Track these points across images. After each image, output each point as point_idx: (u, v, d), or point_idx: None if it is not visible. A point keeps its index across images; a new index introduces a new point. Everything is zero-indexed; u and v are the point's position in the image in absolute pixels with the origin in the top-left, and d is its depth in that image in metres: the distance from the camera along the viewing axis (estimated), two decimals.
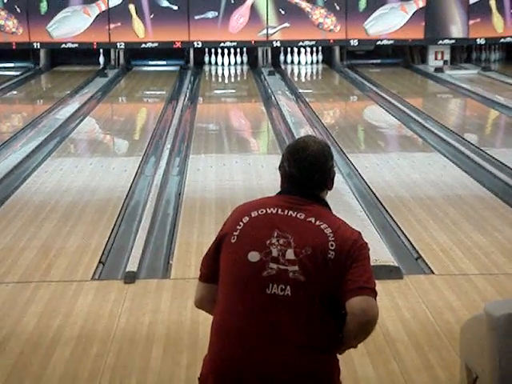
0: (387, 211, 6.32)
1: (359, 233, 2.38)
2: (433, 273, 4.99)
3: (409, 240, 5.61)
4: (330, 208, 2.44)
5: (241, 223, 2.36)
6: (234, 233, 2.34)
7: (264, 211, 2.36)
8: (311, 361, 2.23)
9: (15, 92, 14.11)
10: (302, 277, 2.24)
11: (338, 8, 16.12)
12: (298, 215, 2.34)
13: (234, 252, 2.32)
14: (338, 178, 7.30)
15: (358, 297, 2.24)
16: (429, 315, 4.32)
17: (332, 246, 2.28)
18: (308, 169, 2.39)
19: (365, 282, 2.27)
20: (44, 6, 15.91)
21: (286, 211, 2.35)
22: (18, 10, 15.88)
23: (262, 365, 2.22)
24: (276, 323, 2.23)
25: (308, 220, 2.33)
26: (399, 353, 3.86)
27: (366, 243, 2.37)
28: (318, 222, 2.33)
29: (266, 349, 2.22)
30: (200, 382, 2.37)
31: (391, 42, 16.33)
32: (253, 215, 2.36)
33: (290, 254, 2.27)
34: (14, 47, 16.22)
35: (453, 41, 16.41)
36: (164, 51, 16.48)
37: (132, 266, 4.98)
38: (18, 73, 15.70)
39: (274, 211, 2.35)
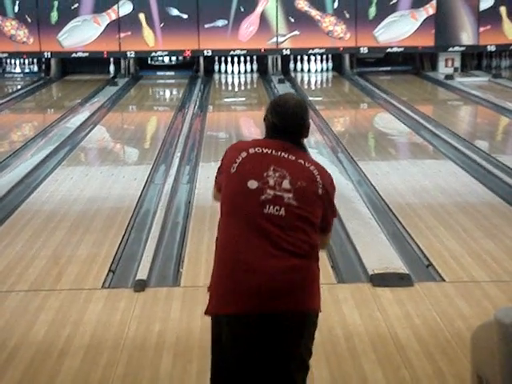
0: (397, 218, 6.30)
1: (330, 174, 2.92)
2: (443, 280, 4.97)
3: (419, 247, 5.59)
4: (308, 152, 2.96)
5: (240, 157, 2.78)
6: (234, 164, 2.77)
7: (260, 150, 2.80)
8: (295, 262, 2.70)
9: (26, 101, 14.17)
10: (295, 202, 2.73)
11: (347, 16, 16.12)
12: (289, 156, 2.80)
13: (234, 181, 2.75)
14: (348, 186, 7.31)
15: (325, 234, 2.94)
16: (439, 322, 4.30)
17: (320, 184, 2.80)
18: (288, 119, 2.82)
19: (331, 222, 2.96)
20: (55, 16, 15.99)
21: (279, 152, 2.81)
22: (29, 19, 15.97)
23: (257, 276, 2.66)
24: (269, 235, 2.68)
25: (298, 161, 2.81)
26: (410, 360, 3.84)
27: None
28: (306, 164, 2.82)
29: (261, 259, 2.67)
30: (211, 292, 2.81)
31: (401, 49, 16.31)
32: (250, 151, 2.79)
33: (285, 184, 2.73)
34: (24, 57, 16.32)
35: (463, 48, 16.38)
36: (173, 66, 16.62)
37: (142, 275, 4.97)
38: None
39: (269, 152, 2.80)
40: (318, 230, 2.81)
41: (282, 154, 2.80)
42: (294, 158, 2.80)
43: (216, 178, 2.94)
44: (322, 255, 5.37)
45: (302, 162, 2.81)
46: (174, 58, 16.94)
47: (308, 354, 2.82)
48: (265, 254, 2.68)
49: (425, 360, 3.84)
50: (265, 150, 2.80)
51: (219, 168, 2.90)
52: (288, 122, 2.83)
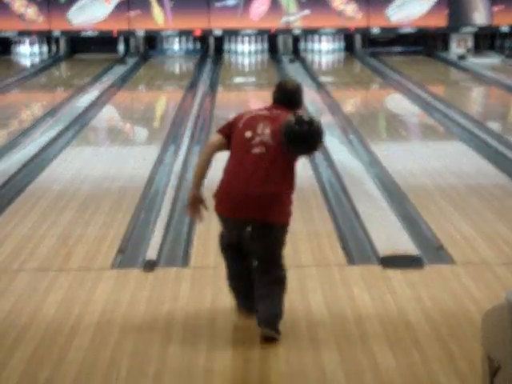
0: (408, 200, 6.26)
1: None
2: (454, 262, 4.94)
3: (430, 229, 5.56)
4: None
5: (244, 118, 3.97)
6: (241, 121, 3.96)
7: (259, 112, 4.01)
8: (273, 186, 3.86)
9: (35, 80, 14.14)
10: (273, 143, 3.87)
11: None
12: (276, 113, 3.98)
13: (238, 133, 3.93)
14: (359, 167, 7.27)
15: None
16: (450, 305, 4.27)
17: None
18: (288, 95, 4.08)
19: None
20: None
21: (270, 112, 4.00)
22: None
23: (249, 187, 3.85)
24: (257, 167, 3.86)
25: (281, 116, 3.93)
26: (420, 342, 3.81)
27: None
28: (283, 116, 3.93)
29: (252, 180, 3.85)
30: (216, 199, 3.98)
31: (414, 29, 16.20)
32: (253, 113, 4.01)
33: (267, 131, 3.89)
34: (33, 35, 16.28)
35: (476, 28, 16.26)
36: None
37: (151, 255, 4.97)
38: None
39: (263, 113, 4.00)
40: (291, 164, 3.92)
41: (274, 114, 3.97)
42: (279, 113, 3.97)
43: (220, 129, 4.02)
44: (333, 238, 5.37)
45: (282, 116, 3.93)
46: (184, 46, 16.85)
47: (278, 247, 3.95)
48: (251, 180, 3.85)
49: (435, 342, 3.82)
50: (261, 112, 4.00)
51: (228, 123, 4.01)
52: (288, 97, 4.07)
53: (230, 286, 4.13)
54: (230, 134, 3.97)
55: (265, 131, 3.89)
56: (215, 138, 4.03)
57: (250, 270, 4.00)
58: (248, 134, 3.89)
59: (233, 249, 4.09)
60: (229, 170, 3.95)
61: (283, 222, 3.93)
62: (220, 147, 3.99)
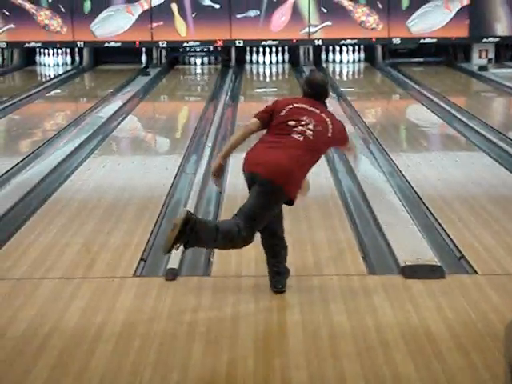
0: (429, 210, 6.26)
1: (343, 124, 4.71)
2: (476, 272, 4.93)
3: (451, 239, 5.55)
4: (327, 107, 4.68)
5: (287, 107, 4.48)
6: (284, 109, 4.47)
7: (299, 105, 4.52)
8: (296, 167, 4.33)
9: (59, 90, 14.28)
10: (312, 137, 4.40)
11: (380, 6, 16.04)
12: (316, 110, 4.52)
13: (281, 120, 4.44)
14: (380, 177, 7.27)
15: (346, 145, 4.87)
16: (472, 315, 4.26)
17: (330, 130, 4.51)
18: (316, 88, 4.62)
19: (345, 141, 4.78)
20: (88, 6, 16.09)
21: (310, 107, 4.53)
22: (63, 9, 16.09)
23: (273, 157, 4.34)
24: (290, 146, 4.36)
25: (321, 114, 4.51)
26: (442, 353, 3.81)
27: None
28: (324, 116, 4.53)
29: (280, 152, 4.34)
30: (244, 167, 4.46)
31: (434, 40, 16.18)
32: (295, 105, 4.51)
33: (310, 126, 4.43)
34: (57, 46, 16.44)
35: (497, 39, 16.20)
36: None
37: (173, 263, 4.99)
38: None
39: (305, 106, 4.52)
40: (316, 158, 4.48)
41: (312, 108, 4.51)
42: (318, 111, 4.52)
43: (260, 114, 4.52)
44: (354, 247, 5.37)
45: (323, 115, 4.52)
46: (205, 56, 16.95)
47: (258, 208, 4.34)
48: (280, 152, 4.32)
49: (457, 353, 3.81)
50: (302, 105, 4.52)
51: (268, 109, 4.53)
52: (316, 90, 4.61)
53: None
54: (270, 121, 4.48)
55: (309, 125, 4.40)
56: (254, 121, 4.50)
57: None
58: (292, 122, 4.40)
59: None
60: (264, 139, 4.45)
61: (281, 183, 4.28)
62: (257, 130, 4.53)
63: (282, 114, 4.45)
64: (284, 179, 4.27)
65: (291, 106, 4.48)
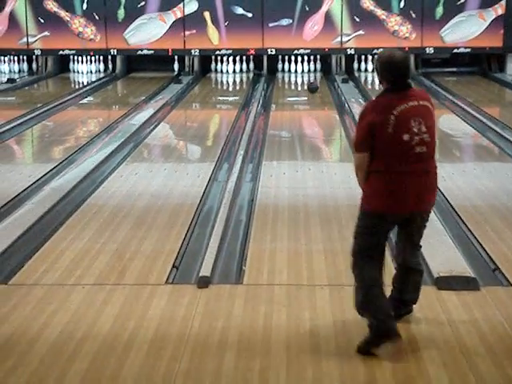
0: (463, 221, 6.20)
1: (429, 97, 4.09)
2: (511, 285, 4.87)
3: (485, 251, 5.50)
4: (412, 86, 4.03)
5: (390, 120, 3.84)
6: (388, 124, 3.85)
7: (399, 108, 3.85)
8: (433, 169, 4.04)
9: (92, 98, 14.39)
10: (429, 139, 3.93)
11: (413, 15, 15.96)
12: (415, 103, 3.90)
13: (393, 138, 3.86)
14: None
15: None
16: (506, 327, 4.21)
17: (433, 114, 4.02)
18: (402, 69, 3.93)
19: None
20: (121, 14, 16.22)
21: (410, 103, 3.89)
22: (97, 17, 16.23)
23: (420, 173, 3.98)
24: (417, 165, 3.93)
25: (421, 104, 3.93)
26: (476, 365, 3.77)
27: None
28: (422, 103, 3.95)
29: (413, 182, 3.96)
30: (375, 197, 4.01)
31: (468, 50, 16.07)
32: (395, 113, 3.85)
33: (423, 128, 3.90)
34: (91, 54, 16.59)
35: None
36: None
37: (205, 271, 5.00)
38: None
39: (405, 106, 3.87)
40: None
41: (411, 103, 3.89)
42: (416, 103, 3.91)
43: (359, 146, 3.97)
44: (388, 258, 5.34)
45: (422, 104, 3.94)
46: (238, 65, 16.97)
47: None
48: (415, 177, 3.94)
49: (492, 365, 3.77)
50: (402, 107, 3.86)
51: (363, 135, 3.93)
52: (402, 72, 3.92)
53: (370, 303, 3.97)
54: (372, 144, 3.91)
55: (421, 128, 3.89)
56: (360, 158, 3.98)
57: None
58: (405, 136, 3.86)
59: (377, 251, 4.06)
60: (390, 173, 3.92)
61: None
62: (366, 164, 3.97)
63: (390, 130, 3.90)
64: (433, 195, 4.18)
65: (393, 117, 3.89)
